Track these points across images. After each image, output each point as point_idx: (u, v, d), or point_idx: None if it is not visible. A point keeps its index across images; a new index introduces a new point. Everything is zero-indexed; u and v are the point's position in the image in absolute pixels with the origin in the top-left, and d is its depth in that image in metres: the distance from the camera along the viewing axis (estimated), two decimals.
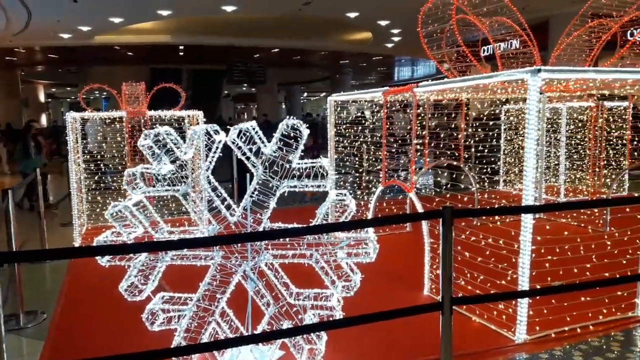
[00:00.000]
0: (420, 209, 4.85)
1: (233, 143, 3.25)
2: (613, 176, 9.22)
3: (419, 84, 4.75)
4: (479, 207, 7.82)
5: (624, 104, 9.70)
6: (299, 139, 3.25)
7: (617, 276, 3.84)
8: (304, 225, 3.18)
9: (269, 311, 3.42)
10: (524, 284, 3.64)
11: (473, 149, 10.62)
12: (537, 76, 3.44)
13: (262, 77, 22.09)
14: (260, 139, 3.26)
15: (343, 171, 6.73)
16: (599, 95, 9.49)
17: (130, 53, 20.58)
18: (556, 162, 10.11)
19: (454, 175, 9.07)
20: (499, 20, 6.05)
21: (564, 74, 3.57)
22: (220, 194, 3.37)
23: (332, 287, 3.38)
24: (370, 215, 5.85)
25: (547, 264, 3.92)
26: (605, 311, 4.08)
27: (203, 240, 3.11)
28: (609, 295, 4.07)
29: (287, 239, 3.33)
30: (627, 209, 5.43)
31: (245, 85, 32.31)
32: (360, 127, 6.46)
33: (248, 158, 3.25)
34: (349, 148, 6.54)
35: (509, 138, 10.74)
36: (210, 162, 3.29)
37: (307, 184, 3.34)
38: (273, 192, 3.29)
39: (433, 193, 8.60)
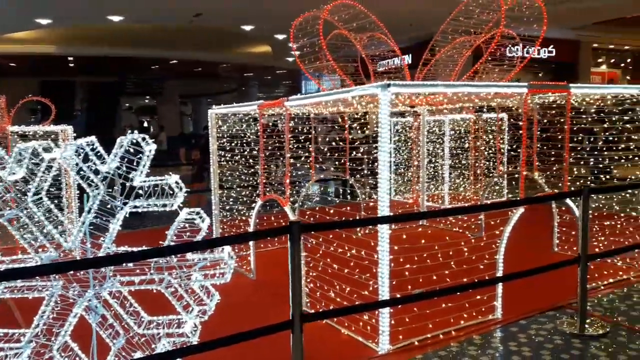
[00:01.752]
0: None
1: (69, 161, 2.99)
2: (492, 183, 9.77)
3: (289, 97, 4.72)
4: (363, 215, 7.99)
5: (500, 115, 10.38)
6: (142, 155, 3.05)
7: (476, 280, 4.00)
8: (151, 248, 2.99)
9: (116, 344, 3.17)
10: (384, 294, 3.67)
11: (366, 160, 10.89)
12: (387, 91, 3.51)
13: (160, 89, 21.34)
14: (98, 155, 3.03)
15: (226, 186, 6.56)
16: (477, 108, 10.10)
17: (12, 64, 19.06)
18: (442, 171, 10.59)
19: (344, 187, 9.20)
20: (377, 36, 6.23)
21: (413, 88, 3.68)
22: (55, 217, 3.09)
23: (184, 313, 3.20)
24: (251, 229, 5.72)
25: (406, 273, 4.00)
26: (466, 316, 4.23)
27: (31, 270, 2.81)
28: (470, 299, 4.23)
29: (134, 264, 3.11)
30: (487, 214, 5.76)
31: (148, 97, 31.18)
32: (238, 142, 6.33)
33: (84, 177, 3.00)
34: (231, 162, 6.39)
35: (398, 149, 11.13)
36: (40, 183, 3.00)
37: (153, 203, 3.15)
38: (115, 213, 3.06)
39: (319, 206, 8.67)
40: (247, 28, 13.90)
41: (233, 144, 6.49)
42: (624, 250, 4.78)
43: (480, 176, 10.52)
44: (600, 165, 6.26)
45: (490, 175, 10.28)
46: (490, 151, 10.51)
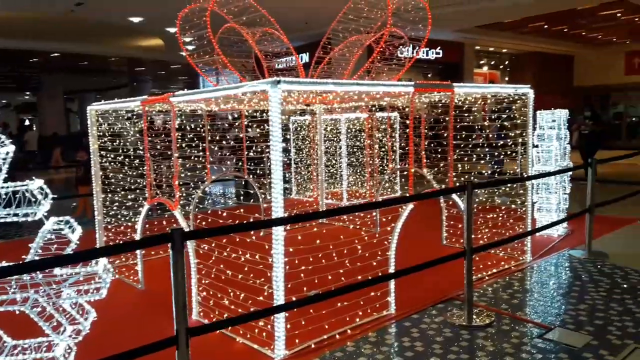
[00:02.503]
0: (185, 227, 4.53)
1: None
2: (385, 180, 10.05)
3: (175, 93, 4.43)
4: (265, 217, 7.83)
5: (391, 114, 10.71)
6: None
7: (370, 278, 4.01)
8: (11, 264, 2.60)
9: None
10: (278, 299, 3.55)
11: (265, 159, 10.73)
12: (277, 87, 3.39)
13: (37, 83, 19.57)
14: None
15: (109, 190, 6.07)
16: (371, 107, 10.33)
17: None
18: (339, 169, 10.73)
19: (245, 188, 8.97)
20: (269, 32, 6.08)
21: (304, 85, 3.59)
22: None
23: (54, 334, 2.85)
24: (137, 237, 5.34)
25: (302, 275, 3.91)
26: (361, 313, 4.24)
27: None
28: (365, 297, 4.24)
29: None
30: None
31: (28, 93, 28.51)
32: (121, 141, 5.89)
33: None
34: (114, 164, 5.92)
35: (298, 148, 11.10)
36: None
37: (12, 212, 2.76)
38: None
39: (218, 209, 8.37)
40: (136, 20, 13.12)
41: (117, 144, 6.03)
42: (505, 242, 5.07)
43: (375, 173, 10.81)
44: (494, 162, 6.66)
45: (384, 172, 10.59)
46: (384, 149, 10.83)
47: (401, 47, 5.34)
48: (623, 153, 9.19)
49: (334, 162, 10.89)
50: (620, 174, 13.28)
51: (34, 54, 18.75)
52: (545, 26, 18.65)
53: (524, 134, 5.83)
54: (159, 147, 5.79)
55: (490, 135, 6.79)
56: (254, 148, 8.63)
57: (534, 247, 6.06)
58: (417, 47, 5.36)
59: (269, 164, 11.47)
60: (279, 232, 3.49)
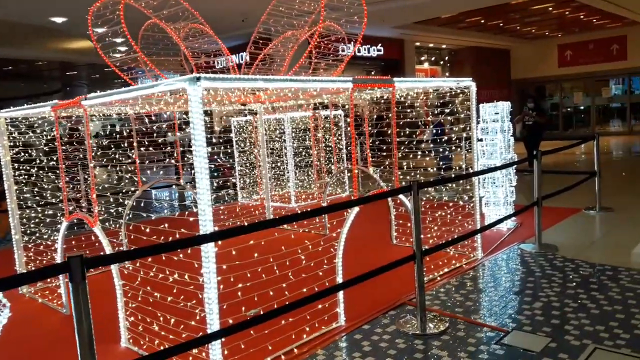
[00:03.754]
0: (106, 246, 4.04)
1: None
2: (331, 181, 9.76)
3: (88, 96, 3.93)
4: None
5: (336, 112, 10.45)
6: None
7: (316, 290, 3.67)
8: None
9: None
10: (212, 323, 3.14)
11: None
12: (197, 84, 2.99)
13: None
14: None
15: (25, 205, 5.45)
16: (315, 105, 10.03)
17: None
18: (286, 170, 10.36)
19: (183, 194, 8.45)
20: (196, 27, 5.63)
21: (228, 82, 3.20)
22: None
23: None
24: (58, 258, 4.78)
25: (238, 293, 3.52)
26: (308, 329, 3.90)
27: None
28: (311, 310, 3.90)
29: None
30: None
31: None
32: (34, 151, 5.30)
33: None
34: (27, 177, 5.32)
35: (242, 150, 10.64)
36: None
37: None
38: None
39: (154, 218, 7.80)
40: (59, 20, 12.23)
41: (33, 154, 5.43)
42: (455, 241, 4.86)
43: (322, 173, 10.51)
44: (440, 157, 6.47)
45: (331, 172, 10.31)
46: (330, 148, 10.55)
47: (337, 42, 5.03)
48: (562, 144, 9.32)
49: (279, 163, 10.52)
50: (559, 164, 13.62)
51: None
52: (482, 21, 18.97)
53: (468, 128, 5.66)
54: (80, 156, 5.24)
55: (430, 131, 6.59)
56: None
57: (484, 243, 5.92)
58: (354, 42, 5.07)
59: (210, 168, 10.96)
60: (208, 250, 3.09)
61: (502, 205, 6.86)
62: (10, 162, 5.38)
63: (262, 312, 3.38)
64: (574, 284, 4.67)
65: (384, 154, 5.99)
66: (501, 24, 20.29)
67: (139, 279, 3.87)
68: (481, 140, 6.96)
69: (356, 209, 4.14)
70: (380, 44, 18.90)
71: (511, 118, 7.26)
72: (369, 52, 18.59)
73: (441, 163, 7.59)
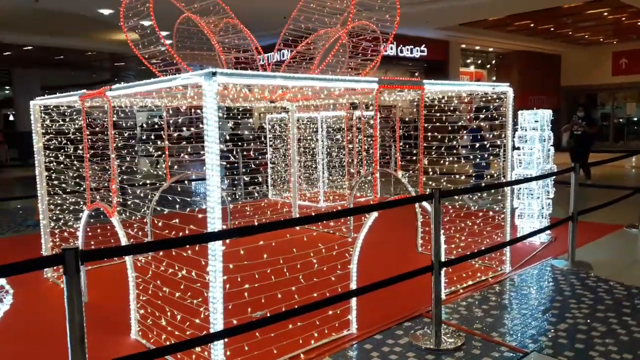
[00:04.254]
0: (122, 237, 4.06)
1: None
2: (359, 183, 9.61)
3: (112, 86, 3.95)
4: (231, 220, 7.37)
5: (369, 113, 10.28)
6: None
7: (328, 295, 3.57)
8: None
9: None
10: (216, 324, 3.09)
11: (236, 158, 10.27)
12: (213, 80, 2.93)
13: (7, 78, 18.87)
14: None
15: (52, 192, 5.57)
16: (353, 105, 9.90)
17: None
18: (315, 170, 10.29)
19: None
20: (231, 23, 5.62)
21: (245, 78, 3.13)
22: None
23: None
24: (80, 244, 4.85)
25: (245, 294, 3.46)
26: (317, 335, 3.80)
27: None
28: (321, 316, 3.80)
29: None
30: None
31: (8, 88, 27.65)
32: (63, 139, 5.39)
33: None
34: (56, 164, 5.43)
35: (275, 147, 10.63)
36: None
37: None
38: None
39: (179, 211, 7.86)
40: (106, 12, 12.55)
41: (62, 142, 5.54)
42: (480, 253, 4.64)
43: (353, 174, 10.39)
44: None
45: (359, 173, 10.17)
46: (365, 148, 10.38)
47: (369, 42, 4.90)
48: (611, 156, 8.85)
49: (312, 162, 10.45)
50: (606, 177, 12.99)
51: (4, 47, 18.05)
52: (532, 25, 18.34)
53: (503, 136, 5.42)
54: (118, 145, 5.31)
55: (465, 137, 6.34)
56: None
57: (514, 256, 5.67)
58: (385, 42, 4.92)
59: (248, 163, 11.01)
60: (216, 248, 3.03)
61: (536, 217, 6.55)
62: (42, 148, 5.51)
63: (268, 314, 3.31)
64: (605, 306, 4.39)
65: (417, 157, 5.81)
66: (552, 29, 19.56)
67: (150, 272, 3.86)
68: (518, 148, 6.67)
69: (375, 214, 4.01)
70: (424, 45, 18.57)
71: (552, 126, 6.93)
72: (411, 52, 18.28)
73: (473, 170, 7.31)
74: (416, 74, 21.32)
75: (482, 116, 5.77)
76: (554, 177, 6.69)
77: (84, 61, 23.57)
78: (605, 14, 16.91)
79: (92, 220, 5.00)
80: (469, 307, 4.49)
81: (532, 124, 6.62)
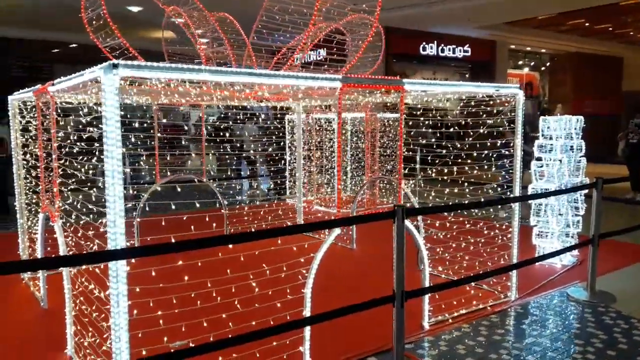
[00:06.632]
0: (61, 245, 3.73)
1: None
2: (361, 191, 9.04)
3: (54, 82, 3.62)
4: (228, 225, 6.99)
5: (388, 115, 9.68)
6: None
7: (272, 324, 3.09)
8: None
9: None
10: (120, 355, 2.67)
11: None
12: (113, 73, 2.52)
13: (49, 74, 19.44)
14: None
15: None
16: (373, 106, 9.34)
17: None
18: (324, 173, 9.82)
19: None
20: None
21: (153, 71, 2.67)
22: None
23: None
24: (39, 252, 4.58)
25: (160, 321, 3.01)
26: None
27: None
28: (263, 347, 3.31)
29: None
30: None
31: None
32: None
33: None
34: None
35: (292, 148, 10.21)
36: None
37: None
38: None
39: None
40: (135, 9, 12.53)
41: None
42: (473, 279, 3.99)
43: (357, 178, 9.89)
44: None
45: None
46: (389, 151, 9.78)
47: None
48: None
49: (329, 165, 9.95)
50: None
51: (45, 45, 18.64)
52: (587, 24, 17.00)
53: (512, 143, 4.73)
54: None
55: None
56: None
57: (528, 281, 4.99)
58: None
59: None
60: (119, 267, 2.61)
61: (556, 237, 5.78)
62: (20, 145, 5.32)
63: (191, 345, 2.87)
64: (617, 351, 3.66)
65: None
66: (610, 28, 18.09)
67: (78, 285, 3.50)
68: (539, 159, 5.92)
69: (337, 231, 3.49)
70: (467, 45, 17.62)
71: (582, 135, 6.11)
72: (453, 52, 17.38)
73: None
74: (467, 76, 20.33)
75: (490, 121, 5.08)
76: (585, 190, 5.88)
77: (112, 58, 24.00)
78: None
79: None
80: (452, 341, 3.86)
81: (557, 131, 5.85)
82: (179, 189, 7.00)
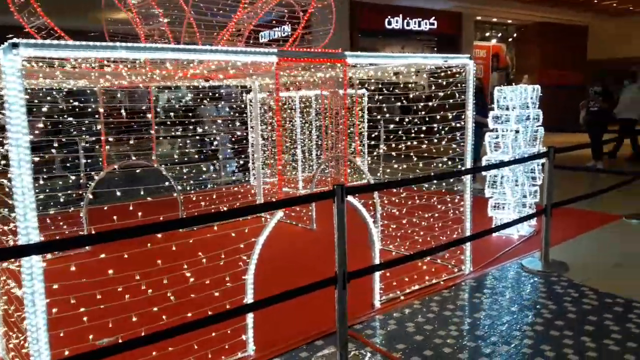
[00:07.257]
0: None
1: None
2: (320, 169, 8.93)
3: None
4: (183, 211, 6.82)
5: (360, 91, 9.51)
6: None
7: (209, 313, 2.97)
8: None
9: None
10: (39, 358, 2.53)
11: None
12: (14, 53, 2.32)
13: None
14: None
15: None
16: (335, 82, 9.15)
17: None
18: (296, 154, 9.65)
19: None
20: None
21: (60, 50, 2.47)
22: None
23: None
24: None
25: (84, 318, 2.88)
26: (210, 356, 3.21)
27: None
28: (205, 337, 3.20)
29: None
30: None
31: None
32: None
33: None
34: None
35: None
36: None
37: None
38: None
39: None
40: None
41: None
42: (422, 254, 3.93)
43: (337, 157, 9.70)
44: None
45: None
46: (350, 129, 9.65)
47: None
48: None
49: (292, 145, 9.79)
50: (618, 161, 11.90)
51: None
52: None
53: (463, 115, 4.65)
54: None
55: None
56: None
57: (485, 253, 4.98)
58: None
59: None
60: (31, 264, 2.45)
61: (512, 208, 5.78)
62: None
63: (120, 341, 2.74)
64: (565, 322, 3.66)
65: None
66: None
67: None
68: (493, 130, 5.87)
69: (280, 213, 3.37)
70: (433, 17, 17.47)
71: (537, 102, 6.08)
72: (419, 26, 17.23)
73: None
74: (435, 49, 20.19)
75: (441, 94, 4.99)
76: (542, 160, 5.86)
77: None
78: None
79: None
80: (402, 320, 3.81)
81: (512, 101, 5.79)
82: (137, 175, 6.80)
